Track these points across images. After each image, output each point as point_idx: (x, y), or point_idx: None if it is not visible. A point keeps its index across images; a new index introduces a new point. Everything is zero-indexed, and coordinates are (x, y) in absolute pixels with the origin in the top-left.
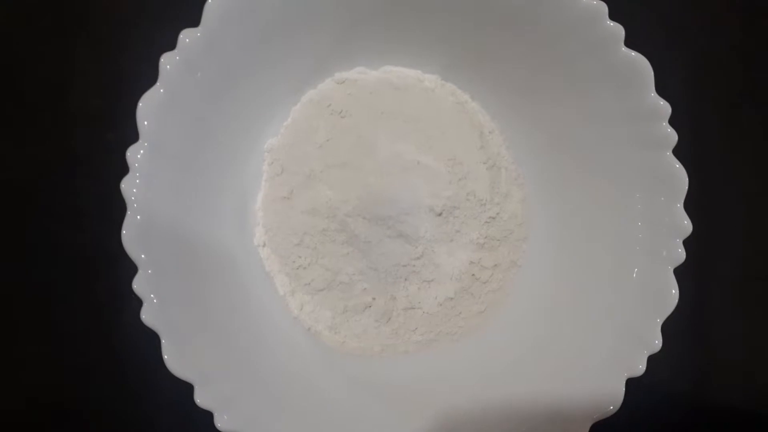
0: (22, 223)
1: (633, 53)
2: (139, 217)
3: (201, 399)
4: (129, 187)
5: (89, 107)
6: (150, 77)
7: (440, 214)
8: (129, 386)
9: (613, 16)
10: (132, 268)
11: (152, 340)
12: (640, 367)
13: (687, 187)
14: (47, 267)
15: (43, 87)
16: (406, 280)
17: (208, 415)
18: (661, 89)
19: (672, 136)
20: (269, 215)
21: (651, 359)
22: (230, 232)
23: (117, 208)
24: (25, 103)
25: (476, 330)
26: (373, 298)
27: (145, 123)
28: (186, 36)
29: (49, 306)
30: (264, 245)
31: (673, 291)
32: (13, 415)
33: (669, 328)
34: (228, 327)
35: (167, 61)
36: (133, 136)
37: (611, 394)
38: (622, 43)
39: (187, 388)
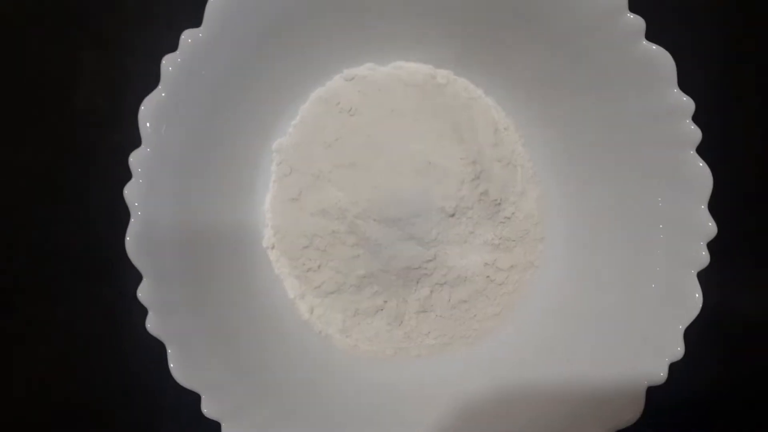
0: (27, 225)
1: (654, 47)
2: (143, 223)
3: (208, 409)
4: (132, 193)
5: (94, 108)
6: (157, 77)
7: (453, 215)
8: (135, 392)
9: (633, 8)
10: (139, 272)
11: (159, 344)
12: (661, 375)
13: (712, 187)
14: (54, 270)
15: (47, 88)
16: (418, 282)
17: (216, 423)
18: (685, 84)
19: (696, 134)
20: (278, 217)
21: (672, 365)
22: (238, 234)
23: (124, 209)
24: (28, 104)
25: (491, 333)
26: (385, 301)
27: (148, 126)
28: (188, 37)
29: (55, 309)
30: (273, 247)
31: (697, 295)
32: (16, 417)
33: (691, 333)
34: (236, 333)
35: (169, 63)
36: (138, 138)
37: (631, 403)
38: (643, 37)
39: (196, 394)
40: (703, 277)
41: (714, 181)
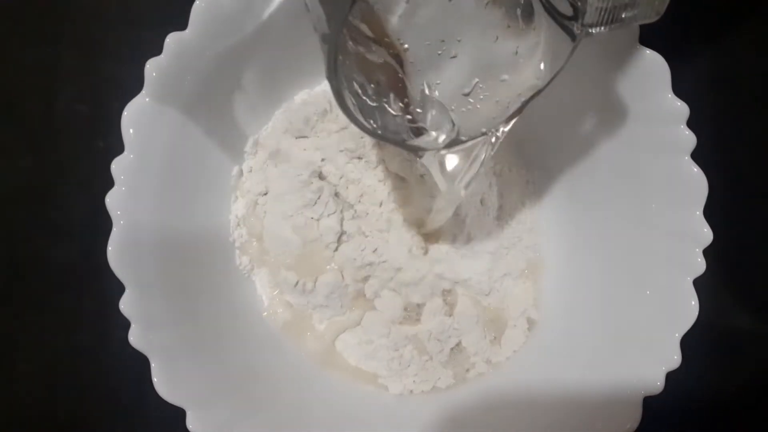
0: (6, 234)
1: (648, 51)
2: (126, 232)
3: (193, 425)
4: (114, 201)
5: (75, 114)
6: (141, 81)
7: None
8: (118, 407)
9: None
10: (122, 282)
11: (143, 357)
12: (658, 384)
13: (707, 194)
14: (33, 280)
15: (27, 93)
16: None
17: None
18: (679, 89)
19: (690, 139)
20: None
21: (669, 373)
22: (224, 242)
23: (107, 217)
24: (7, 110)
25: None
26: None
27: (131, 132)
28: (172, 40)
29: (35, 321)
30: (260, 256)
31: (693, 303)
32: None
33: (688, 341)
34: (223, 345)
35: (153, 67)
36: (121, 144)
37: (628, 414)
38: (637, 41)
39: (181, 409)
40: (699, 284)
41: (709, 187)
